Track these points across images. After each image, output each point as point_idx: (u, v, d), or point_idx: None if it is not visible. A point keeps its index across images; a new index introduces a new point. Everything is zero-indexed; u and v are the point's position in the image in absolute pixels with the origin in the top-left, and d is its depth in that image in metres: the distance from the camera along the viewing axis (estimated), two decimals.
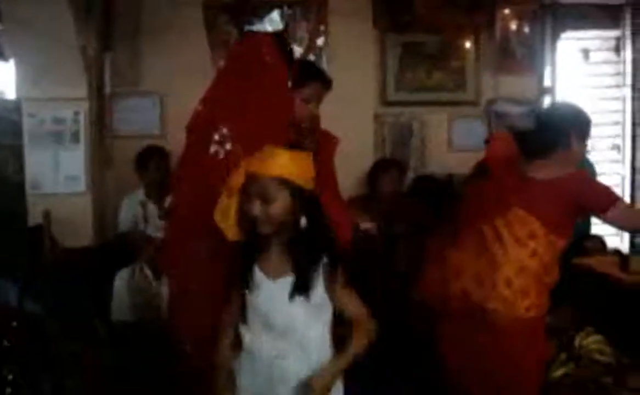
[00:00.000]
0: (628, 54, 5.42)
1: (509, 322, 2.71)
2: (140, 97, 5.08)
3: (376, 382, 2.29)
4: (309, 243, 2.08)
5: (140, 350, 3.39)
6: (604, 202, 2.75)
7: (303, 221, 2.06)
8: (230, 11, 5.06)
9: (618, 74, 5.49)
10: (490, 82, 5.38)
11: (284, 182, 2.03)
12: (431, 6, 4.99)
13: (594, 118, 2.99)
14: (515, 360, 2.72)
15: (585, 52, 5.47)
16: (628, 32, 5.41)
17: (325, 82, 2.87)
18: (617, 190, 5.22)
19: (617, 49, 5.45)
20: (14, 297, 3.76)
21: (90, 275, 4.10)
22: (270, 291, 2.10)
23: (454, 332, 2.86)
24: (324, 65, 5.02)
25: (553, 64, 5.44)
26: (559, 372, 3.33)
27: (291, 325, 2.09)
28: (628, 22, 5.40)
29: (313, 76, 2.79)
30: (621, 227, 2.95)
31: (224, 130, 2.46)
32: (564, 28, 5.42)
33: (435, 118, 5.38)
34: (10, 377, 3.10)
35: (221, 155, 2.46)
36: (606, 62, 5.51)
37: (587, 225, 4.53)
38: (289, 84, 2.59)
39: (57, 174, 4.66)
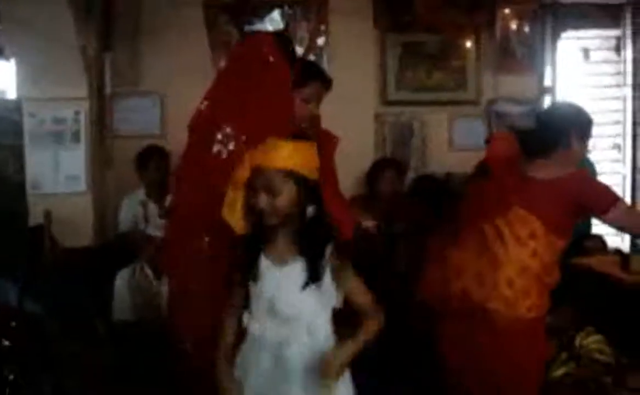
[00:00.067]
0: (628, 53, 5.42)
1: (509, 322, 2.71)
2: (140, 97, 5.08)
3: (376, 382, 2.28)
4: (317, 231, 2.08)
5: (141, 349, 3.38)
6: (604, 202, 2.75)
7: (310, 210, 2.07)
8: (230, 11, 5.06)
9: (618, 73, 5.49)
10: (490, 82, 5.38)
11: (289, 174, 2.03)
12: (431, 6, 4.99)
13: (594, 118, 2.99)
14: (515, 360, 2.72)
15: (586, 52, 5.47)
16: (628, 32, 5.40)
17: (325, 82, 2.87)
18: (618, 190, 5.24)
19: (618, 49, 5.45)
20: (14, 297, 3.76)
21: (90, 275, 4.11)
22: (276, 278, 2.10)
23: (454, 332, 2.85)
24: (325, 65, 5.02)
25: (553, 64, 5.44)
26: (559, 372, 3.33)
27: (297, 313, 2.09)
28: (628, 21, 5.40)
29: (313, 76, 2.79)
30: (621, 228, 2.93)
31: (227, 130, 2.46)
32: (564, 27, 5.41)
33: (436, 118, 5.38)
34: (10, 377, 3.11)
35: (224, 155, 2.46)
36: (606, 61, 5.51)
37: (588, 225, 4.52)
38: (291, 83, 2.60)
39: (58, 173, 4.66)
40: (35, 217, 4.54)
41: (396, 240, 4.25)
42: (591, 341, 3.46)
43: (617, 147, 5.52)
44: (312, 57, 5.01)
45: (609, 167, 5.41)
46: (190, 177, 2.53)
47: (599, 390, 3.29)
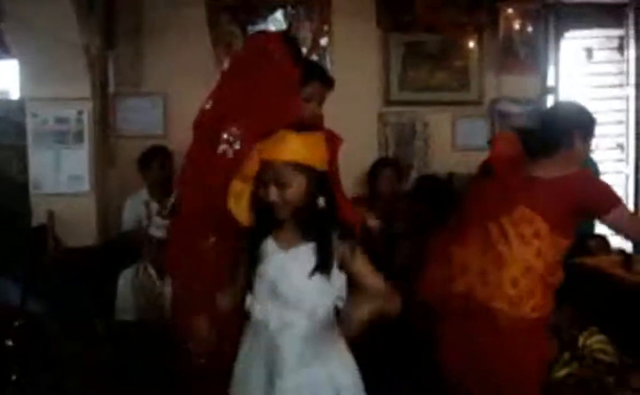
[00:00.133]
0: (631, 53, 5.41)
1: (513, 321, 2.70)
2: (143, 97, 5.09)
3: (376, 382, 2.28)
4: (327, 220, 2.09)
5: (141, 349, 3.38)
6: (606, 203, 2.75)
7: (321, 201, 2.08)
8: (233, 10, 5.06)
9: (621, 73, 5.48)
10: (493, 82, 5.39)
11: (299, 166, 2.04)
12: (431, 6, 4.99)
13: (597, 117, 2.99)
14: (517, 360, 2.71)
15: (589, 51, 5.46)
16: (631, 31, 5.39)
17: (325, 82, 2.87)
18: (621, 190, 5.26)
19: (621, 48, 5.44)
20: (16, 296, 3.77)
21: (93, 275, 4.11)
22: (281, 261, 2.11)
23: (455, 331, 2.85)
24: (328, 65, 5.03)
25: (556, 64, 5.43)
26: (562, 372, 3.33)
27: (300, 296, 2.09)
28: (631, 21, 5.39)
29: (313, 75, 2.79)
30: (620, 230, 2.90)
31: (233, 129, 2.45)
32: (567, 27, 5.41)
33: (439, 118, 5.38)
34: (13, 377, 3.11)
35: (230, 155, 2.45)
36: (609, 61, 5.50)
37: (591, 224, 4.51)
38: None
39: (61, 173, 4.66)
40: (38, 217, 4.55)
41: (396, 240, 4.25)
42: (594, 341, 3.45)
43: (620, 146, 5.51)
44: (315, 57, 5.02)
45: (612, 167, 5.40)
46: (195, 176, 2.53)
47: (602, 390, 3.28)
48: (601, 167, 4.69)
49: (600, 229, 4.52)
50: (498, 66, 5.35)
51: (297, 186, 2.04)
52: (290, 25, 5.11)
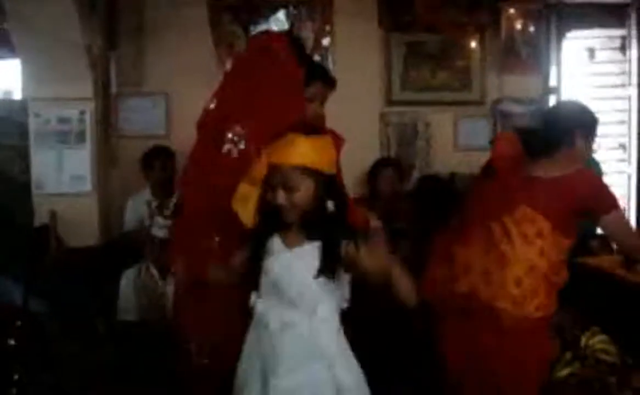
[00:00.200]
0: (634, 53, 5.41)
1: (517, 321, 2.70)
2: (145, 97, 5.09)
3: (376, 382, 2.28)
4: (335, 222, 2.09)
5: (142, 349, 3.39)
6: (606, 203, 2.75)
7: (330, 205, 2.08)
8: (235, 10, 5.06)
9: (623, 73, 5.48)
10: (495, 82, 5.39)
11: (306, 170, 2.04)
12: (431, 6, 4.99)
13: (599, 117, 2.98)
14: (519, 359, 2.71)
15: (591, 51, 5.46)
16: (634, 31, 5.39)
17: (327, 82, 2.87)
18: (623, 190, 5.26)
19: (623, 48, 5.44)
20: (19, 296, 3.77)
21: (95, 274, 4.11)
22: (286, 259, 2.12)
23: (456, 331, 2.85)
24: (330, 65, 5.03)
25: (558, 64, 5.43)
26: (564, 372, 3.32)
27: (302, 295, 2.09)
28: (634, 21, 5.39)
29: (315, 76, 2.79)
30: (615, 233, 2.85)
31: (238, 129, 2.45)
32: (569, 27, 5.41)
33: (441, 118, 5.38)
34: (15, 376, 3.11)
35: (235, 154, 2.45)
36: (612, 61, 5.50)
37: (592, 225, 4.51)
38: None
39: (63, 173, 4.67)
40: (40, 217, 4.56)
41: (397, 240, 4.24)
42: (596, 341, 3.45)
43: (622, 146, 5.51)
44: (317, 58, 5.02)
45: (614, 167, 5.40)
46: (198, 176, 2.53)
47: (604, 390, 3.28)
48: (603, 167, 4.69)
49: None
50: (500, 66, 5.35)
51: (305, 190, 2.05)
52: (292, 25, 5.11)
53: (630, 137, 5.49)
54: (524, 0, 5.28)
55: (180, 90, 4.91)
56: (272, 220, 2.14)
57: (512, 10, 5.27)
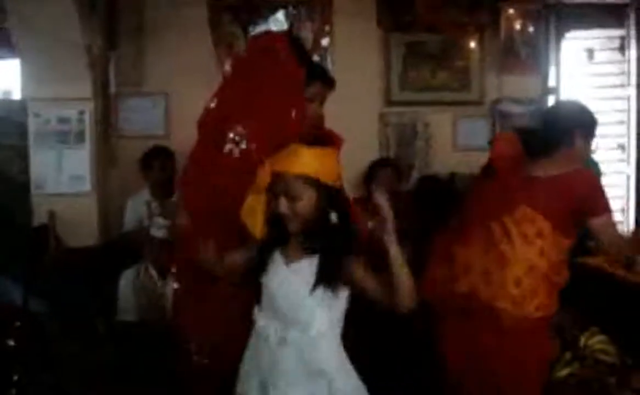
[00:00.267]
0: (633, 53, 5.41)
1: (516, 321, 2.71)
2: (144, 97, 5.09)
3: (376, 382, 2.28)
4: (337, 234, 2.08)
5: (143, 350, 3.39)
6: (601, 205, 2.76)
7: (333, 217, 2.07)
8: (234, 11, 5.06)
9: (623, 73, 5.47)
10: (494, 82, 5.38)
11: (309, 180, 2.04)
12: (431, 5, 4.99)
13: (598, 118, 2.99)
14: (519, 359, 2.72)
15: (590, 52, 5.46)
16: (633, 32, 5.38)
17: (327, 82, 2.87)
18: (622, 190, 5.26)
19: (622, 49, 5.44)
20: (18, 296, 3.77)
21: (94, 274, 4.11)
22: (282, 275, 2.12)
23: (456, 331, 2.85)
24: (329, 65, 5.03)
25: (557, 64, 5.43)
26: (563, 372, 3.33)
27: (297, 311, 2.09)
28: (632, 21, 5.38)
29: (315, 76, 2.79)
30: (604, 236, 2.83)
31: (239, 128, 2.45)
32: (568, 28, 5.41)
33: (440, 118, 5.38)
34: (15, 377, 3.11)
35: (236, 154, 2.45)
36: (611, 61, 5.50)
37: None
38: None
39: (62, 173, 4.66)
40: (39, 217, 4.55)
41: (398, 239, 4.23)
42: (595, 341, 3.45)
43: (621, 147, 5.51)
44: (316, 58, 5.01)
45: (613, 167, 5.40)
46: (199, 176, 2.53)
47: (603, 391, 3.28)
48: (602, 168, 4.69)
49: None
50: (499, 66, 5.35)
51: (307, 200, 2.05)
52: (291, 25, 5.10)
53: (629, 138, 5.48)
54: (523, 1, 5.28)
55: (180, 90, 4.91)
56: (278, 230, 2.14)
57: (511, 11, 5.27)
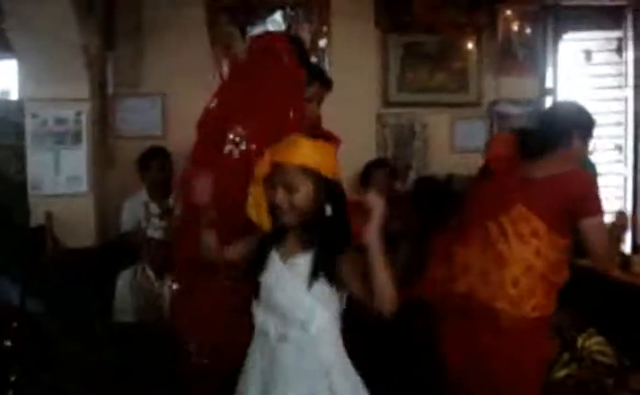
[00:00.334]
0: (630, 54, 5.41)
1: (514, 321, 2.71)
2: (142, 98, 5.08)
3: (376, 382, 2.28)
4: (334, 230, 2.07)
5: (141, 350, 3.38)
6: (594, 206, 2.75)
7: (328, 210, 2.07)
8: (231, 11, 5.06)
9: (620, 74, 5.48)
10: (492, 83, 5.38)
11: (308, 171, 2.04)
12: (430, 6, 4.99)
13: (596, 119, 2.99)
14: (517, 359, 2.72)
15: (587, 53, 5.46)
16: (630, 33, 5.39)
17: (325, 83, 2.87)
18: (620, 191, 5.26)
19: (619, 50, 5.44)
20: (15, 297, 3.77)
21: (92, 275, 4.11)
22: (279, 270, 2.13)
23: (456, 331, 2.86)
24: (326, 66, 5.03)
25: (555, 65, 5.43)
26: (561, 373, 3.33)
27: (293, 308, 2.08)
28: (630, 23, 5.39)
29: (313, 76, 2.79)
30: (594, 239, 2.77)
31: (239, 129, 2.45)
32: (565, 29, 5.41)
33: (437, 119, 5.37)
34: (12, 378, 3.10)
35: (236, 155, 2.46)
36: (608, 63, 5.50)
37: None
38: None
39: (59, 174, 4.65)
40: (36, 218, 4.54)
41: (395, 241, 4.23)
42: (593, 343, 3.46)
43: (619, 148, 5.51)
44: (314, 59, 5.01)
45: (610, 168, 5.40)
46: (200, 176, 2.52)
47: (601, 392, 3.29)
48: (599, 169, 4.69)
49: None
50: (497, 68, 5.35)
51: (305, 192, 2.05)
52: (289, 26, 5.10)
53: (626, 139, 5.49)
54: (520, 2, 5.28)
55: (178, 91, 4.91)
56: (275, 224, 2.14)
57: (508, 12, 5.27)
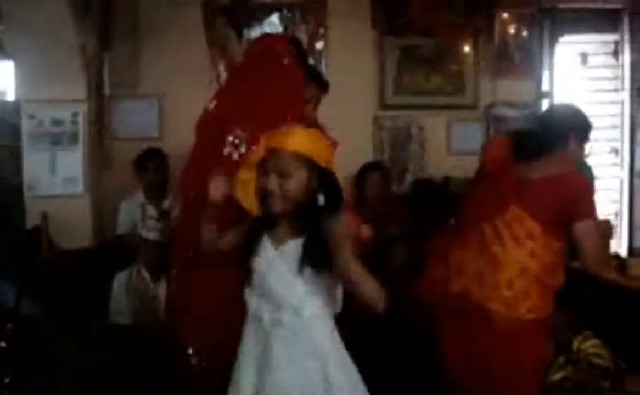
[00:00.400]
0: (626, 58, 5.42)
1: (509, 322, 2.71)
2: (139, 99, 5.07)
3: (376, 382, 2.28)
4: (325, 215, 2.06)
5: (137, 351, 3.38)
6: (588, 209, 2.76)
7: (321, 199, 2.07)
8: (229, 13, 5.05)
9: (616, 78, 5.48)
10: (488, 86, 5.37)
11: (302, 158, 2.06)
12: (427, 8, 4.99)
13: (592, 122, 2.99)
14: (513, 360, 2.72)
15: (584, 56, 5.46)
16: (626, 36, 5.39)
17: (322, 85, 2.88)
18: (616, 194, 5.27)
19: (616, 53, 5.45)
20: (11, 298, 3.76)
21: (88, 276, 4.10)
22: (272, 257, 2.13)
23: (454, 332, 2.86)
24: (323, 68, 5.03)
25: (551, 68, 5.43)
26: (557, 376, 3.33)
27: (285, 294, 2.09)
28: (626, 26, 5.39)
29: (311, 78, 2.80)
30: (586, 242, 2.76)
31: (238, 131, 2.45)
32: (562, 32, 5.41)
33: (434, 121, 5.37)
34: (7, 379, 3.10)
35: (235, 157, 2.46)
36: (604, 66, 5.50)
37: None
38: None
39: (55, 175, 4.65)
40: (32, 219, 4.54)
41: (392, 244, 4.23)
42: (589, 345, 3.46)
43: (615, 151, 5.52)
44: (311, 61, 5.00)
45: (607, 172, 5.41)
46: (199, 176, 2.53)
47: (597, 394, 3.29)
48: (596, 172, 4.68)
49: None
50: (493, 70, 5.34)
51: (298, 179, 2.06)
52: (286, 28, 5.10)
53: (622, 142, 5.49)
54: (517, 5, 5.29)
55: (175, 92, 4.90)
56: (264, 213, 2.15)
57: (505, 15, 5.28)
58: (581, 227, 2.74)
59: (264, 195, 2.10)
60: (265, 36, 3.31)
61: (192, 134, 2.78)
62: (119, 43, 4.99)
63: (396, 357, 3.40)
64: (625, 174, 5.48)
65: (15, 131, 4.72)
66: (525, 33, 5.34)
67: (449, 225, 3.13)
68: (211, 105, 2.57)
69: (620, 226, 5.39)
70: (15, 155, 4.75)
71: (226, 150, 2.46)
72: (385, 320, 2.02)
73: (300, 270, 2.07)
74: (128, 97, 5.06)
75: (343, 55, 5.15)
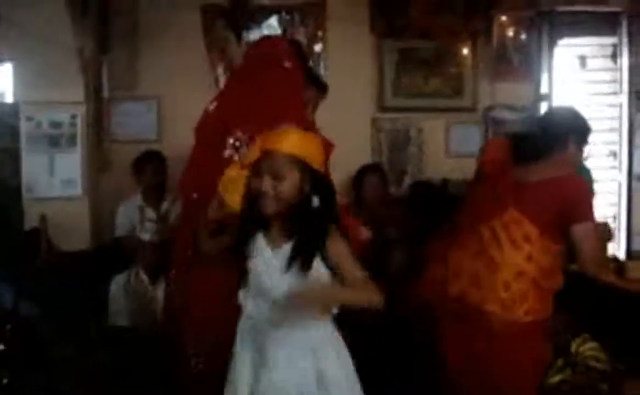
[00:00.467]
0: (625, 61, 5.42)
1: (506, 325, 2.71)
2: (137, 101, 5.07)
3: (376, 382, 2.29)
4: (316, 218, 2.09)
5: (135, 353, 3.38)
6: (586, 212, 2.76)
7: (315, 201, 2.08)
8: (227, 16, 5.05)
9: (615, 81, 5.48)
10: (487, 89, 5.38)
11: (295, 160, 2.06)
12: (426, 11, 5.00)
13: (591, 125, 3.00)
14: (512, 362, 2.72)
15: (582, 59, 5.46)
16: (625, 39, 5.40)
17: (321, 88, 2.88)
18: (614, 197, 5.27)
19: (614, 56, 5.45)
20: (9, 300, 3.76)
21: (86, 278, 4.10)
22: (268, 258, 2.14)
23: (454, 332, 2.86)
24: (322, 70, 5.03)
25: (550, 71, 5.43)
26: (556, 378, 3.33)
27: (280, 294, 2.08)
28: (625, 29, 5.39)
29: (310, 81, 2.80)
30: (581, 243, 2.76)
31: (239, 133, 2.46)
32: (560, 35, 5.41)
33: (433, 124, 5.37)
34: (5, 381, 3.10)
35: (235, 159, 2.46)
36: (603, 69, 5.51)
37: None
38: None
39: (54, 177, 4.65)
40: (30, 221, 4.54)
41: (390, 246, 4.23)
42: (587, 348, 3.46)
43: (613, 154, 5.52)
44: (309, 63, 5.00)
45: (605, 175, 5.41)
46: (199, 177, 2.53)
47: None
48: (594, 175, 4.69)
49: None
50: (492, 73, 5.35)
51: (291, 180, 2.07)
52: (284, 31, 5.10)
53: (621, 145, 5.49)
54: (516, 8, 5.29)
55: (173, 94, 4.90)
56: (254, 213, 2.15)
57: (504, 18, 5.28)
58: (580, 230, 2.74)
59: (257, 196, 2.10)
60: (265, 38, 3.31)
61: (191, 136, 2.78)
62: (118, 45, 4.99)
63: (396, 358, 3.40)
64: (623, 177, 5.48)
65: (14, 133, 4.72)
66: (524, 36, 5.34)
67: (448, 227, 3.12)
68: (211, 107, 2.57)
69: (619, 229, 5.39)
70: (14, 157, 4.74)
71: (227, 152, 2.46)
72: (385, 322, 2.03)
73: (287, 269, 2.08)
74: (126, 100, 5.05)
75: (342, 57, 5.15)
